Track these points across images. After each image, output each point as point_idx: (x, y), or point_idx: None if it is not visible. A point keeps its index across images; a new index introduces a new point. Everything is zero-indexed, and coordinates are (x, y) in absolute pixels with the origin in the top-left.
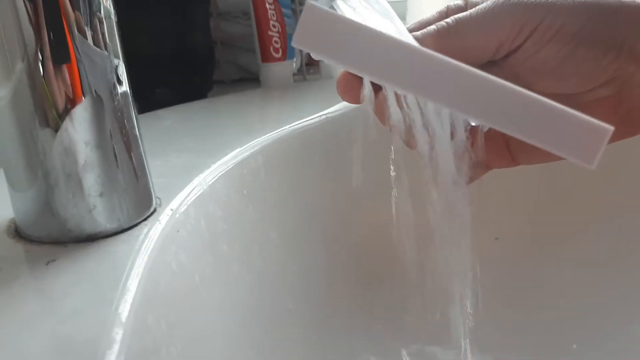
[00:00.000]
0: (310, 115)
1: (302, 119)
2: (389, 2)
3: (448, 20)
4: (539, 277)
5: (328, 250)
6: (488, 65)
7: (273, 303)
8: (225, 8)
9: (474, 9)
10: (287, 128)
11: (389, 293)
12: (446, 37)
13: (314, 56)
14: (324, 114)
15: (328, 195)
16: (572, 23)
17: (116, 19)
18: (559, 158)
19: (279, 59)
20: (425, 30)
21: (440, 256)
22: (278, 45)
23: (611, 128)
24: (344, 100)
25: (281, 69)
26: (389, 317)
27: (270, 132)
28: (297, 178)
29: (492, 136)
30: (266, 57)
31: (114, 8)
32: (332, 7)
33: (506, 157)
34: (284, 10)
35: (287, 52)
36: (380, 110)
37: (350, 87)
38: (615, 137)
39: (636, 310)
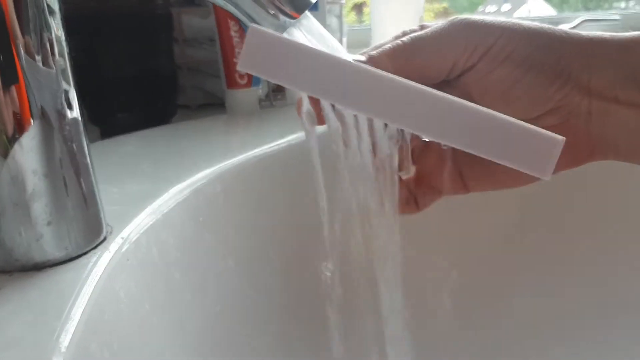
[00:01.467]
0: (274, 141)
1: (264, 146)
2: (356, 29)
3: (404, 38)
4: (493, 305)
5: (286, 276)
6: (441, 85)
7: (229, 331)
8: (191, 34)
9: (429, 29)
10: (247, 155)
11: (348, 318)
12: (401, 54)
13: (263, 78)
14: (286, 141)
15: (287, 222)
16: (524, 48)
17: (67, 45)
18: (508, 186)
19: (244, 86)
20: (380, 48)
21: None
22: (244, 72)
23: (563, 138)
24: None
25: (247, 95)
26: (348, 343)
27: (231, 158)
28: (256, 205)
29: (444, 162)
30: (231, 84)
31: (65, 34)
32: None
33: (457, 183)
34: (250, 24)
35: (253, 79)
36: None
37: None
38: (561, 167)
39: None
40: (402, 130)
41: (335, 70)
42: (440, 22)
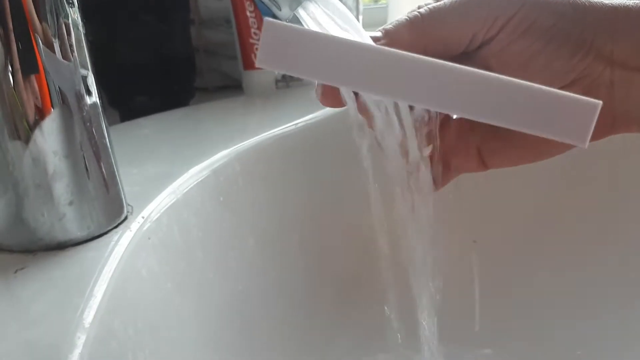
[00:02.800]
0: (291, 122)
1: (282, 126)
2: (372, 7)
3: (421, 10)
4: (517, 279)
5: (306, 255)
6: (460, 57)
7: (250, 309)
8: (208, 16)
9: (447, 1)
10: (265, 135)
11: (368, 296)
12: (419, 26)
13: (280, 71)
14: (303, 121)
15: (307, 201)
16: (545, 19)
17: (84, 31)
18: (528, 161)
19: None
20: (397, 21)
21: (410, 256)
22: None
23: (599, 102)
24: (324, 106)
25: (263, 76)
26: (368, 322)
27: (249, 138)
28: (275, 184)
29: (463, 138)
30: (248, 65)
31: (82, 19)
32: (294, 16)
33: (476, 160)
34: (265, 17)
35: None
36: (364, 112)
37: (329, 92)
38: None
39: (622, 310)
40: (428, 111)
41: (357, 55)
42: None
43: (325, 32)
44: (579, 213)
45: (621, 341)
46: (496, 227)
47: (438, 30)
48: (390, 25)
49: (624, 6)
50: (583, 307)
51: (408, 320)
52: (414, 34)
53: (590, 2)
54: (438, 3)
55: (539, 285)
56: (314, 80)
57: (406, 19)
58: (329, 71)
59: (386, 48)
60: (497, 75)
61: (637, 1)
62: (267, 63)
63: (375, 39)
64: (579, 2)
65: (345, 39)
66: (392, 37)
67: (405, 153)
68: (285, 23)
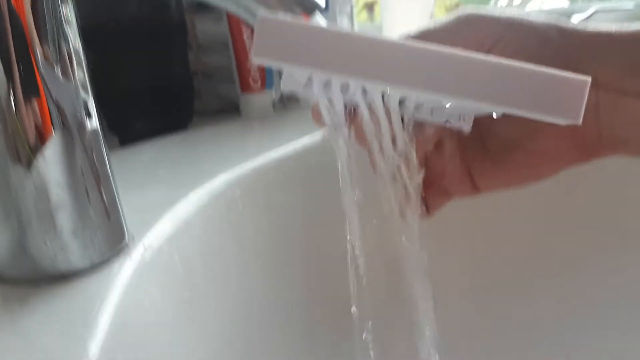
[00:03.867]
0: (289, 143)
1: (280, 148)
2: (366, 27)
3: (411, 33)
4: (517, 301)
5: (308, 278)
6: None
7: (253, 335)
8: (205, 40)
9: (436, 23)
10: (264, 158)
11: (372, 321)
12: None
13: (278, 66)
14: (300, 142)
15: (307, 223)
16: (531, 42)
17: (85, 55)
18: (517, 184)
19: (258, 89)
20: None
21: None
22: (257, 76)
23: (588, 79)
24: (318, 127)
25: (261, 99)
26: (374, 346)
27: (248, 162)
28: (275, 207)
29: (454, 161)
30: (245, 87)
31: (83, 44)
32: None
33: (468, 183)
34: (258, 14)
35: (266, 82)
36: (359, 133)
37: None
38: (570, 162)
39: (624, 333)
40: (421, 125)
41: (353, 44)
42: (446, 17)
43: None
44: (581, 234)
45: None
46: (497, 248)
47: None
48: None
49: (606, 31)
50: (584, 328)
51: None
52: None
53: (574, 27)
54: (427, 27)
55: (539, 306)
56: (310, 71)
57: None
58: (326, 61)
59: (375, 35)
60: (485, 56)
61: (618, 27)
62: (261, 56)
63: None
64: (563, 27)
65: (337, 29)
66: None
67: (397, 174)
68: (278, 17)
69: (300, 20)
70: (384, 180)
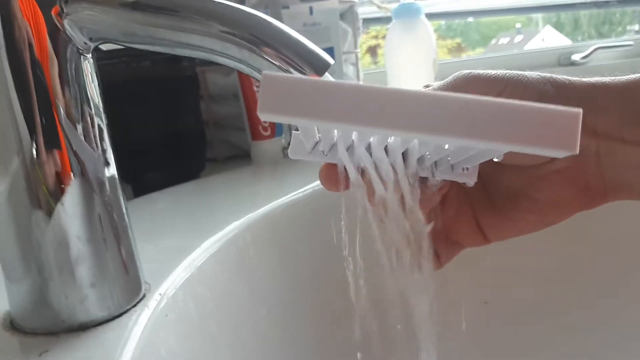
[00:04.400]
0: (299, 188)
1: (290, 193)
2: (371, 72)
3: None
4: (529, 342)
5: (319, 322)
6: None
7: None
8: (216, 91)
9: (436, 84)
10: (274, 203)
11: None
12: None
13: (284, 122)
14: (311, 187)
15: (318, 267)
16: (529, 97)
17: (104, 109)
18: (525, 232)
19: (268, 137)
20: None
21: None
22: (267, 124)
23: (580, 110)
24: (328, 189)
25: (271, 146)
26: None
27: (259, 208)
28: (286, 251)
29: (461, 213)
30: (256, 136)
31: (102, 98)
32: None
33: (477, 234)
34: (263, 72)
35: (276, 130)
36: (369, 192)
37: (332, 176)
38: (577, 208)
39: None
40: (425, 181)
41: (356, 95)
42: (444, 80)
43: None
44: (593, 273)
45: None
46: (508, 288)
47: None
48: None
49: (601, 82)
50: None
51: None
52: None
53: (569, 79)
54: (427, 87)
55: (552, 348)
56: (315, 125)
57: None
58: (332, 115)
59: (376, 85)
60: (479, 96)
61: (612, 77)
62: (268, 113)
63: None
64: (559, 80)
65: (343, 82)
66: None
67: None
68: (282, 74)
69: (305, 76)
70: (392, 234)
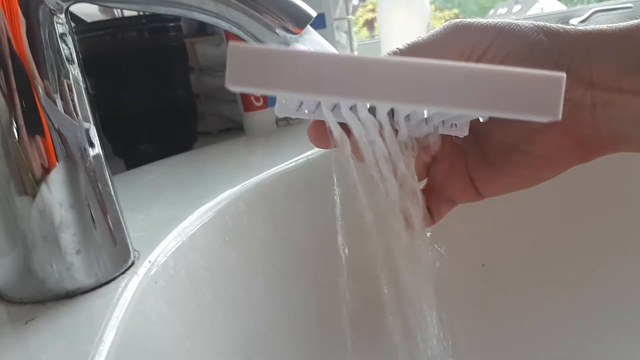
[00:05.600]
0: (293, 158)
1: (283, 163)
2: (366, 44)
3: (400, 46)
4: (525, 303)
5: (317, 289)
6: None
7: (262, 348)
8: (206, 63)
9: (426, 34)
10: (268, 172)
11: (380, 330)
12: None
13: (253, 92)
14: (304, 156)
15: (313, 235)
16: (521, 48)
17: (85, 85)
18: (519, 187)
19: (260, 107)
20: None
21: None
22: (259, 95)
23: (563, 74)
24: (316, 147)
25: (264, 117)
26: (382, 357)
27: (252, 177)
28: (280, 220)
29: (455, 168)
30: (248, 107)
31: (83, 74)
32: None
33: (470, 189)
34: (229, 41)
35: (268, 100)
36: (355, 149)
37: (320, 133)
38: (572, 162)
39: (629, 334)
40: (415, 138)
41: (322, 64)
42: (436, 28)
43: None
44: (589, 233)
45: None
46: (505, 249)
47: None
48: None
49: (598, 29)
50: (595, 329)
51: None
52: None
53: (564, 28)
54: (417, 38)
55: (550, 309)
56: (285, 96)
57: (385, 55)
58: (300, 84)
59: (347, 54)
60: (456, 62)
61: (610, 25)
62: (235, 84)
63: None
64: (552, 29)
65: (308, 51)
66: None
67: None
68: (248, 44)
69: (271, 45)
70: (385, 190)
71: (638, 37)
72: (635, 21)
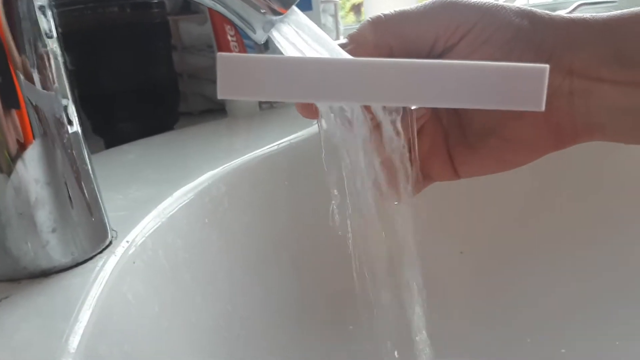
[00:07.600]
0: (276, 141)
1: (266, 146)
2: (352, 27)
3: (387, 12)
4: (504, 290)
5: (297, 273)
6: None
7: (240, 330)
8: (189, 41)
9: (414, 5)
10: (250, 155)
11: (359, 314)
12: (382, 24)
13: (243, 99)
14: (287, 140)
15: (294, 219)
16: (505, 30)
17: (64, 60)
18: (496, 170)
19: None
20: (360, 24)
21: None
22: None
23: (546, 66)
24: (304, 116)
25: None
26: (361, 341)
27: (234, 159)
28: (261, 203)
29: (435, 146)
30: None
31: (62, 50)
32: (268, 38)
33: (448, 168)
34: (245, 41)
35: None
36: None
37: (305, 105)
38: (547, 149)
39: (605, 317)
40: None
41: (313, 71)
42: (425, 2)
43: (294, 53)
44: (568, 218)
45: (611, 343)
46: (483, 236)
47: (400, 27)
48: (355, 30)
49: (581, 18)
50: (575, 313)
51: (401, 337)
52: (377, 33)
53: (548, 14)
54: (404, 8)
55: (528, 295)
56: (276, 100)
57: (368, 20)
58: (290, 90)
59: (331, 57)
60: (442, 61)
61: (593, 15)
62: (227, 94)
63: (342, 46)
64: (537, 14)
65: (296, 57)
66: (356, 40)
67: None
68: (236, 54)
69: (257, 54)
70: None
71: (621, 27)
72: (618, 12)
